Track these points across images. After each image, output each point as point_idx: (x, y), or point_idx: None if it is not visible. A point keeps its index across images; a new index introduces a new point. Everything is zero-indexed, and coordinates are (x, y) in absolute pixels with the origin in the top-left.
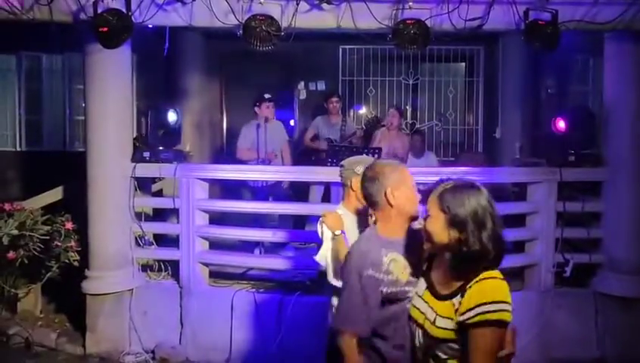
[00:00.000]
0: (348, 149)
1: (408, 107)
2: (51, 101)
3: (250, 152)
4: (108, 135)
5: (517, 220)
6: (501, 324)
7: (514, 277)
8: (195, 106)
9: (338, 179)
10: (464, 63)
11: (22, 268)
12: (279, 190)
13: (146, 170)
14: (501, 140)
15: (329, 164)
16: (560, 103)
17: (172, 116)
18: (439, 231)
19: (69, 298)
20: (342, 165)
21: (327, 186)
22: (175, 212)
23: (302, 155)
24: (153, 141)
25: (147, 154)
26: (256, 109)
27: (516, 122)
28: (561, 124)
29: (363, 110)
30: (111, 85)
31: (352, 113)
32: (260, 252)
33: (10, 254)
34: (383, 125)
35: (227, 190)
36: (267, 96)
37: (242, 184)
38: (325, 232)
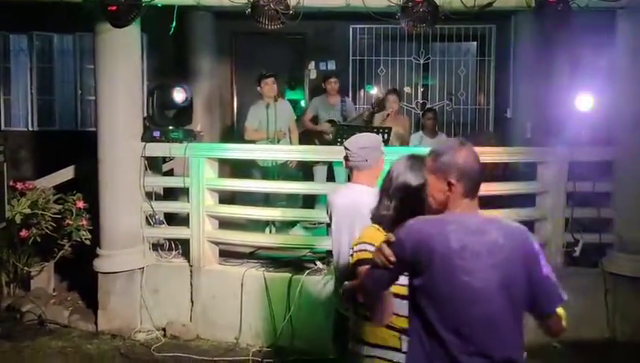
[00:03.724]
0: (357, 128)
1: (419, 87)
2: (62, 81)
3: (258, 132)
4: (118, 115)
5: (528, 200)
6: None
7: None
8: (205, 86)
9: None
10: (475, 43)
11: (35, 246)
12: (288, 170)
13: (156, 150)
14: (513, 120)
15: (338, 144)
16: (573, 82)
17: (178, 95)
18: None
19: (82, 276)
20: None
21: (330, 166)
22: (185, 191)
23: (304, 137)
24: (162, 120)
25: (157, 134)
26: (258, 88)
27: (527, 101)
28: (584, 102)
29: (374, 90)
30: (121, 65)
31: (362, 93)
32: (270, 232)
33: (23, 232)
34: (380, 111)
35: (237, 169)
36: (266, 73)
37: (252, 163)
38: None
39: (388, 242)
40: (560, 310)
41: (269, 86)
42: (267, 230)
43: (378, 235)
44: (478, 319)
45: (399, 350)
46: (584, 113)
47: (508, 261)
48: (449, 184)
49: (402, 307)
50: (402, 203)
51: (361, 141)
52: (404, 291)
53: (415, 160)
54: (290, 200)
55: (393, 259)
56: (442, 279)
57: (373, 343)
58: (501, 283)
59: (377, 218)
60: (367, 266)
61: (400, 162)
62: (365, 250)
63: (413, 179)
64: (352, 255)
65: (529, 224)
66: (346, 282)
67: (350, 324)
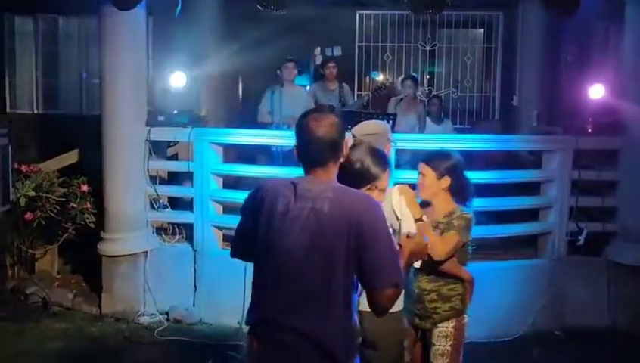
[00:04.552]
0: (362, 115)
1: (425, 74)
2: (67, 64)
3: (268, 116)
4: (123, 98)
5: (532, 188)
6: None
7: (527, 244)
8: (211, 70)
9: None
10: (482, 30)
11: (39, 229)
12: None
13: (160, 134)
14: (519, 108)
15: (346, 129)
16: (580, 71)
17: (177, 79)
18: None
19: (86, 259)
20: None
21: None
22: (190, 176)
23: None
24: (164, 104)
25: (161, 118)
26: (278, 71)
27: (534, 89)
28: (597, 91)
29: (380, 77)
30: (126, 48)
31: (368, 79)
32: None
33: (28, 215)
34: (398, 96)
35: (244, 155)
36: (288, 58)
37: (259, 149)
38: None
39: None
40: (389, 291)
41: (289, 70)
42: None
43: None
44: (283, 277)
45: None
46: (590, 101)
47: (324, 232)
48: (295, 148)
49: None
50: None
51: (368, 127)
52: None
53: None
54: None
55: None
56: (261, 237)
57: None
58: (310, 252)
59: None
60: None
61: (361, 147)
62: None
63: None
64: None
65: (534, 213)
66: None
67: None
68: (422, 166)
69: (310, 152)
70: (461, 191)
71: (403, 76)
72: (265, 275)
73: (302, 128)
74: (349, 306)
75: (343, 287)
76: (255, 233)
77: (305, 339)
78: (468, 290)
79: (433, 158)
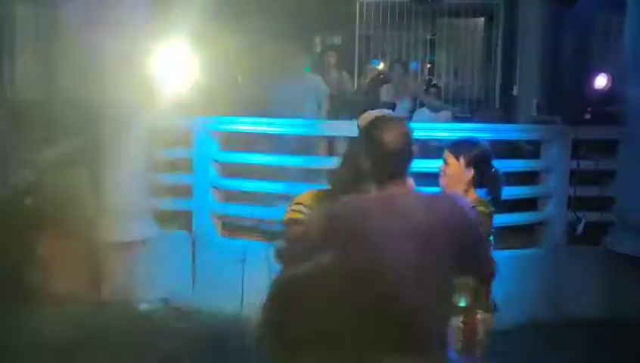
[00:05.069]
0: (360, 103)
1: (425, 63)
2: (70, 49)
3: (277, 104)
4: (124, 85)
5: (531, 177)
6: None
7: (525, 234)
8: (209, 58)
9: (346, 133)
10: (482, 19)
11: (40, 215)
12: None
13: (162, 121)
14: (519, 97)
15: (342, 118)
16: (581, 60)
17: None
18: None
19: (86, 246)
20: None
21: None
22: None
23: None
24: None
25: (166, 103)
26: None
27: (534, 79)
28: (601, 81)
29: (380, 65)
30: (128, 33)
31: (368, 68)
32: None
33: (28, 201)
34: (388, 80)
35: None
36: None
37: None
38: None
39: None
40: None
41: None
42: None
43: (313, 198)
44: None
45: None
46: (590, 91)
47: (430, 245)
48: (368, 160)
49: None
50: (347, 171)
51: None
52: None
53: None
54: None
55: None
56: (360, 261)
57: None
58: (422, 264)
59: (327, 175)
60: (297, 227)
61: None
62: (299, 211)
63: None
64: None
65: (533, 202)
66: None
67: None
68: (447, 155)
69: (388, 166)
70: (490, 182)
71: (392, 61)
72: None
73: (375, 141)
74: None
75: (448, 305)
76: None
77: None
78: (486, 283)
79: (459, 146)
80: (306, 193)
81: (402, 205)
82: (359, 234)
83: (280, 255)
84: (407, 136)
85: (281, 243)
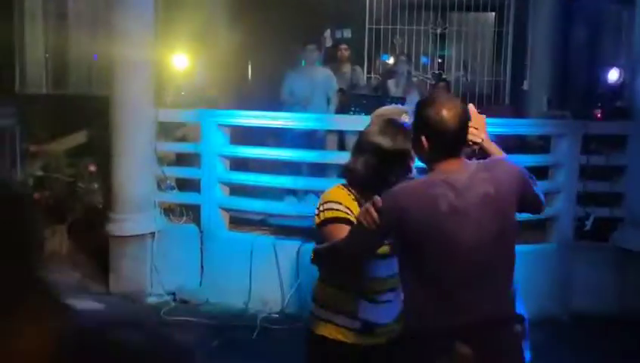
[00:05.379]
0: (370, 98)
1: (435, 58)
2: (77, 44)
3: (288, 98)
4: (131, 79)
5: (541, 172)
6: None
7: (534, 229)
8: (220, 51)
9: (357, 128)
10: (493, 13)
11: (47, 209)
12: (314, 139)
13: (168, 115)
14: (530, 92)
15: (352, 112)
16: (592, 55)
17: (181, 61)
18: None
19: (94, 239)
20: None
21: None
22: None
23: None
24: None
25: (169, 99)
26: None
27: (545, 74)
28: (613, 75)
29: (390, 60)
30: (134, 28)
31: (377, 62)
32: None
33: (36, 195)
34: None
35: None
36: (308, 39)
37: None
38: None
39: (375, 206)
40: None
41: (307, 53)
42: (287, 199)
43: (344, 194)
44: (468, 274)
45: (354, 316)
46: (601, 86)
47: (500, 209)
48: (424, 140)
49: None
50: (367, 163)
51: (386, 113)
52: None
53: (389, 123)
54: (313, 169)
55: (379, 223)
56: (434, 244)
57: (331, 307)
58: (496, 235)
59: (343, 170)
60: (339, 225)
61: (373, 122)
62: (332, 209)
63: (382, 142)
64: (317, 214)
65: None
66: (318, 246)
67: (314, 286)
68: None
69: (449, 143)
70: None
71: (397, 54)
72: (448, 279)
73: (433, 120)
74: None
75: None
76: (417, 244)
77: (508, 323)
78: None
79: None
80: (332, 192)
81: (463, 180)
82: (423, 216)
83: (321, 257)
84: (464, 113)
85: (320, 245)
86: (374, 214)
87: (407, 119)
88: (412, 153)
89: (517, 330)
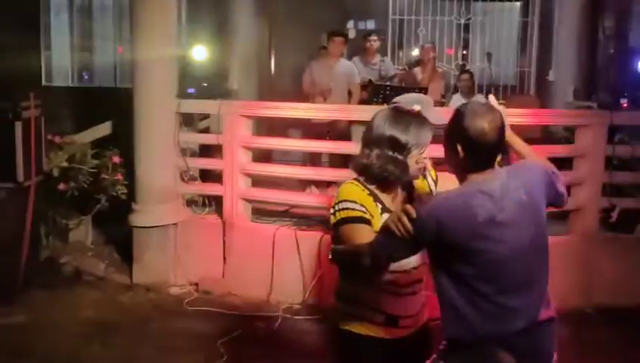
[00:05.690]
0: (394, 88)
1: (459, 48)
2: (102, 38)
3: (309, 87)
4: (154, 71)
5: (566, 163)
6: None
7: (558, 220)
8: (243, 44)
9: None
10: (519, 2)
11: (72, 199)
12: (337, 130)
13: (190, 106)
14: (555, 83)
15: (374, 103)
16: (618, 45)
17: (199, 54)
18: None
19: (118, 230)
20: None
21: None
22: (220, 148)
23: None
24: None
25: (191, 90)
26: (327, 44)
27: (571, 64)
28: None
29: (414, 51)
30: (157, 21)
31: (401, 53)
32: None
33: (61, 186)
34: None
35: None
36: (333, 31)
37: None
38: None
39: (409, 216)
40: None
41: (335, 45)
42: (308, 190)
43: (358, 191)
44: (514, 281)
45: (378, 309)
46: (628, 75)
47: (533, 212)
48: (459, 151)
49: None
50: (379, 155)
51: (401, 101)
52: None
53: (398, 113)
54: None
55: (412, 234)
56: (477, 255)
57: (354, 301)
58: (533, 239)
59: (357, 166)
60: (355, 225)
61: (381, 113)
62: (347, 209)
63: (389, 133)
64: (333, 214)
65: (566, 189)
66: (337, 246)
67: (336, 282)
68: None
69: (488, 156)
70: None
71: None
72: (496, 289)
73: (473, 132)
74: None
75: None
76: (454, 253)
77: (549, 324)
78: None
79: None
80: (346, 189)
81: (497, 190)
82: (461, 228)
83: (342, 258)
84: (502, 126)
85: (339, 246)
86: (408, 224)
87: (418, 108)
88: (427, 141)
89: (555, 330)
